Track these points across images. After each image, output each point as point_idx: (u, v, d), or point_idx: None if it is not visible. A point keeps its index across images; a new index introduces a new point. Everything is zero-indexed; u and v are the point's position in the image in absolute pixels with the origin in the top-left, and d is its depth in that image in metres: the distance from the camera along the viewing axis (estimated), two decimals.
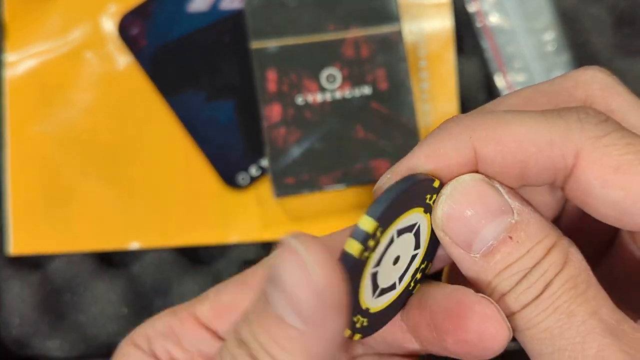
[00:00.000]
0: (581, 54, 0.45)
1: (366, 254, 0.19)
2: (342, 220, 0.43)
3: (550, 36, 0.44)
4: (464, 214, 0.19)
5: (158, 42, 0.43)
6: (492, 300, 0.19)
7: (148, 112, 0.43)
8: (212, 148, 0.43)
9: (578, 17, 0.45)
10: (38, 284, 0.42)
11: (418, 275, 0.22)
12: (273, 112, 0.40)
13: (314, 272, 0.15)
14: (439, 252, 0.22)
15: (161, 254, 0.43)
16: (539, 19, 0.44)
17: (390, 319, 0.22)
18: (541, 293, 0.18)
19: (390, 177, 0.20)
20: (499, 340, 0.18)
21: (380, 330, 0.21)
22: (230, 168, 0.43)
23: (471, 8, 0.44)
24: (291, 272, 0.15)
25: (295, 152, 0.39)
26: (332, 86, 0.40)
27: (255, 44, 0.40)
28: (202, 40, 0.43)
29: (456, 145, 0.19)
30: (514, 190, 0.20)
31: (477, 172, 0.20)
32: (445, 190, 0.19)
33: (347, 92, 0.39)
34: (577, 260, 0.19)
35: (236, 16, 0.43)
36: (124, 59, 0.43)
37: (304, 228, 0.43)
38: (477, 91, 0.45)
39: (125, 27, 0.43)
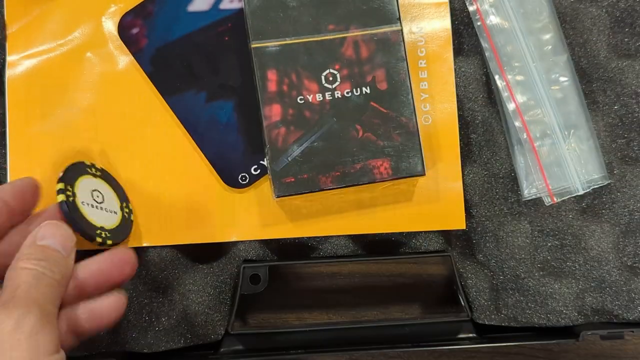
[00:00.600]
0: (581, 54, 0.45)
1: (70, 199, 0.37)
2: (342, 219, 0.43)
3: (549, 36, 0.44)
4: None
5: (158, 42, 0.43)
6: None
7: (148, 112, 0.43)
8: (212, 148, 0.43)
9: (577, 17, 0.45)
10: None
11: (127, 209, 0.41)
12: (273, 112, 0.40)
13: (60, 226, 0.35)
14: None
15: (161, 252, 0.43)
16: (539, 19, 0.44)
17: (129, 231, 0.41)
18: None
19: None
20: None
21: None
22: (230, 168, 0.43)
23: (470, 8, 0.45)
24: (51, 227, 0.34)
25: (295, 151, 0.39)
26: (331, 86, 0.40)
27: (255, 44, 0.40)
28: (202, 40, 0.43)
29: None
30: None
31: None
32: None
33: (347, 92, 0.40)
34: None
35: (236, 16, 0.43)
36: (124, 59, 0.43)
37: (304, 227, 0.43)
38: (476, 91, 0.45)
39: (125, 27, 0.43)
